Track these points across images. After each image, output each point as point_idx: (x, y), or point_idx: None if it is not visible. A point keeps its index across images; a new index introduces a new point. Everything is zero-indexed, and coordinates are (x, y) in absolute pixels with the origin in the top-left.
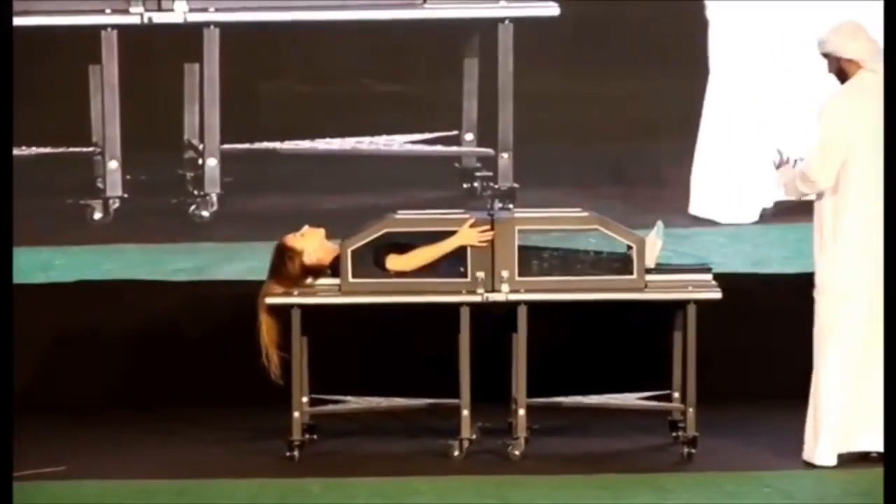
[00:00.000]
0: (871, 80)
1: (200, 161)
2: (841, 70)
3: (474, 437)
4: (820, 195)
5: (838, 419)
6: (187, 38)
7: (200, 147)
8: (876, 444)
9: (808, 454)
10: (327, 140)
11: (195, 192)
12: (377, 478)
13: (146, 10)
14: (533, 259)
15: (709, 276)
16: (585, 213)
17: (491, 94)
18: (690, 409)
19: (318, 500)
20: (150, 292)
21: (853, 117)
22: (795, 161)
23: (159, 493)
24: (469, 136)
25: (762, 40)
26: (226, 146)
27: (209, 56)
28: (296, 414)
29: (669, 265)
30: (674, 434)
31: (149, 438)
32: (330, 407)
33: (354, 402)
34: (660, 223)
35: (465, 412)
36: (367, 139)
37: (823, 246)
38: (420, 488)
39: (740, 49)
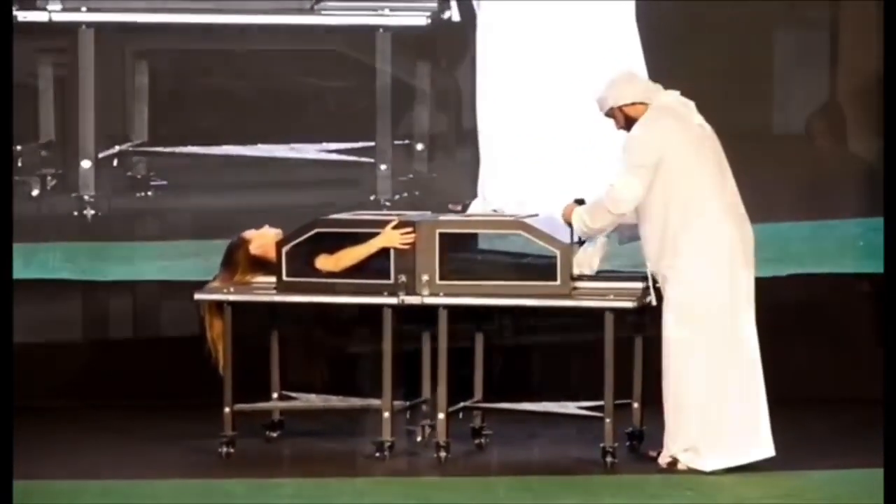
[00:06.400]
0: (668, 101)
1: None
2: (628, 119)
3: (395, 438)
4: (649, 212)
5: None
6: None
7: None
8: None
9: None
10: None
11: (72, 194)
12: (301, 479)
13: (18, 9)
14: (459, 263)
15: (640, 285)
16: (508, 218)
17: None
18: (608, 420)
19: (242, 500)
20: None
21: (665, 135)
22: (579, 200)
23: (83, 493)
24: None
25: (532, 41)
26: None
27: (83, 56)
28: (226, 409)
29: (613, 272)
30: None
31: (71, 438)
32: (260, 405)
33: (281, 402)
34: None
35: (386, 414)
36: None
37: (663, 258)
38: (343, 490)
39: (510, 50)
